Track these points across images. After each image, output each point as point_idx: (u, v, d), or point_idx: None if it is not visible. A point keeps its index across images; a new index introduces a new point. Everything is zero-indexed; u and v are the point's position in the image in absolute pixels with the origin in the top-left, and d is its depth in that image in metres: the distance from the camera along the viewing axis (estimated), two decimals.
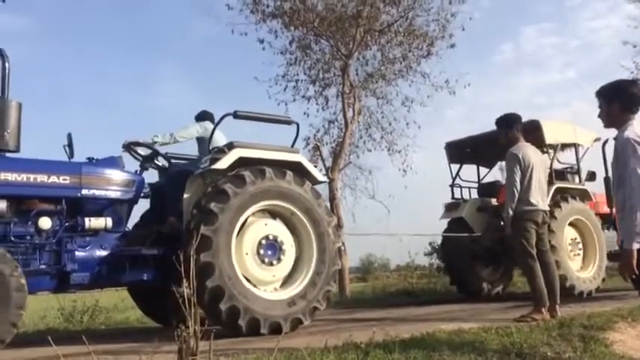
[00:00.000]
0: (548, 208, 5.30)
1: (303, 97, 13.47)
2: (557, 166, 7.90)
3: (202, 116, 6.04)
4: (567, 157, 8.53)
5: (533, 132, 7.37)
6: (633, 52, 20.41)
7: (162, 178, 5.71)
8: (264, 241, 4.89)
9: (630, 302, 5.51)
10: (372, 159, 24.83)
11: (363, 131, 13.64)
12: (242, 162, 4.89)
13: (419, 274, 14.50)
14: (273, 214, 5.09)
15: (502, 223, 7.99)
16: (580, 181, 8.06)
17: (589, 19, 38.90)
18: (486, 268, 8.22)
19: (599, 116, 3.49)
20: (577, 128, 7.98)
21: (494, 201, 8.17)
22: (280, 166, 5.03)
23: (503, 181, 8.30)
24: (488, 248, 7.75)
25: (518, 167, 5.10)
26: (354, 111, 12.70)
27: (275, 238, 4.96)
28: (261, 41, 12.91)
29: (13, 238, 4.30)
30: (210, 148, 5.36)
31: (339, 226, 5.52)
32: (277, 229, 5.02)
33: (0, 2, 4.65)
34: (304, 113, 13.37)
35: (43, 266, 4.47)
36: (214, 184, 4.78)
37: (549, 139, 7.40)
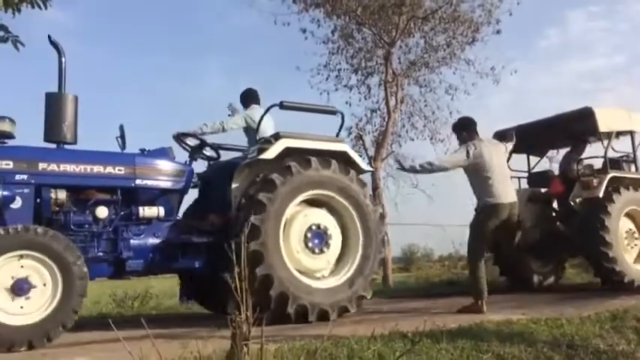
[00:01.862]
0: (511, 201, 5.29)
1: (345, 86, 13.44)
2: (611, 154, 7.60)
3: (248, 95, 6.09)
4: (623, 146, 8.20)
5: (586, 120, 7.14)
6: None
7: (210, 168, 5.80)
8: (311, 230, 4.98)
9: None
10: (414, 148, 24.57)
11: (406, 120, 13.49)
12: (288, 152, 4.95)
13: (463, 265, 14.31)
14: (318, 203, 5.15)
15: (554, 213, 7.85)
16: (637, 169, 7.74)
17: (638, 1, 37.33)
18: (537, 259, 8.01)
19: None
20: (633, 114, 7.62)
21: (545, 191, 7.97)
22: (326, 156, 5.08)
23: (555, 172, 8.11)
24: (538, 239, 7.56)
25: (464, 156, 5.28)
26: (396, 100, 12.59)
27: (321, 227, 5.03)
28: (304, 31, 12.93)
29: (72, 227, 4.46)
30: (258, 137, 5.45)
31: (382, 215, 5.51)
32: (323, 218, 5.10)
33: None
34: (346, 102, 13.35)
35: (101, 254, 4.63)
36: (262, 174, 4.86)
37: (603, 126, 7.11)
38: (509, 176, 5.66)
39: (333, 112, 5.71)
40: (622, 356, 3.63)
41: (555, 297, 6.47)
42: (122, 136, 5.08)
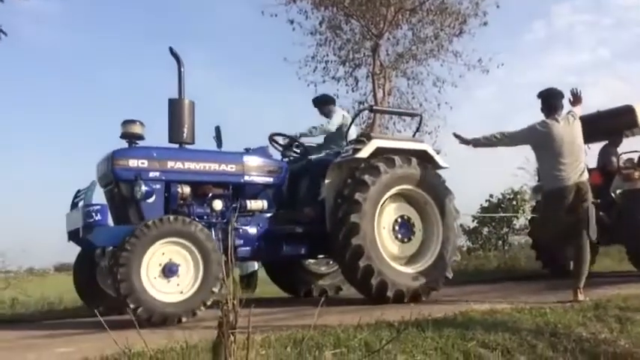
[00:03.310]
0: (581, 180, 5.10)
1: (333, 77, 13.46)
2: None
3: (328, 99, 6.61)
4: None
5: (627, 116, 7.38)
6: None
7: (298, 164, 6.13)
8: (398, 221, 5.52)
9: None
10: None
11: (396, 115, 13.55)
12: (376, 151, 5.42)
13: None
14: (403, 196, 5.62)
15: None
16: None
17: None
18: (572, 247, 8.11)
19: None
20: None
21: None
22: (408, 154, 5.54)
23: (591, 165, 8.19)
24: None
25: (537, 138, 5.16)
26: (384, 92, 12.61)
27: (405, 218, 5.56)
28: (292, 22, 12.89)
29: (195, 218, 4.89)
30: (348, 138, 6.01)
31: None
32: (407, 210, 5.62)
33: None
34: (334, 94, 13.33)
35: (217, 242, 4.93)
36: (352, 173, 5.33)
37: None
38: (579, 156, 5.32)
39: (415, 115, 6.70)
40: (604, 344, 3.70)
41: (537, 286, 6.55)
42: (218, 136, 5.52)
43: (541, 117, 5.31)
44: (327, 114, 6.33)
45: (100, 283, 5.24)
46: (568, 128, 5.16)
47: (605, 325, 4.02)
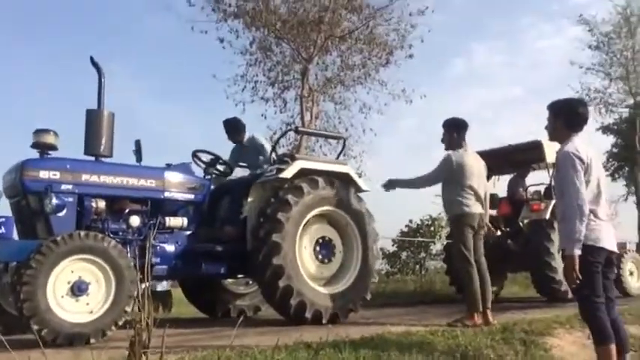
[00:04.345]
0: (483, 211, 5.34)
1: (262, 98, 13.49)
2: (555, 185, 8.19)
3: (238, 126, 6.39)
4: None
5: (534, 150, 7.81)
6: (579, 73, 21.47)
7: (221, 182, 6.06)
8: (319, 242, 5.52)
9: (568, 309, 5.76)
10: None
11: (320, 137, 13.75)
12: (300, 172, 5.43)
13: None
14: (325, 218, 5.63)
15: (498, 232, 8.30)
16: None
17: (536, 39, 40.73)
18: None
19: (546, 128, 3.67)
20: None
21: (492, 212, 8.40)
22: (330, 176, 5.58)
23: (501, 194, 8.58)
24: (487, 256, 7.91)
25: (450, 168, 5.19)
26: (311, 115, 12.78)
27: (327, 239, 5.57)
28: (222, 40, 12.85)
29: (109, 234, 4.68)
30: (267, 157, 6.05)
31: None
32: (328, 231, 5.64)
33: None
34: (262, 115, 13.39)
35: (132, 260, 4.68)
36: (276, 193, 5.32)
37: (550, 157, 7.65)
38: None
39: (339, 138, 6.92)
40: None
41: (453, 309, 6.79)
42: (138, 151, 5.39)
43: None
44: (240, 140, 6.32)
45: (1, 301, 4.89)
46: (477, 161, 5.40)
47: (511, 348, 4.23)
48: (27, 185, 4.55)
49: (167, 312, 7.67)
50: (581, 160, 3.31)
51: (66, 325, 4.03)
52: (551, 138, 3.67)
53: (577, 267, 3.20)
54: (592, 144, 3.69)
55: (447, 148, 5.39)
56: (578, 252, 3.21)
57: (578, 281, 3.24)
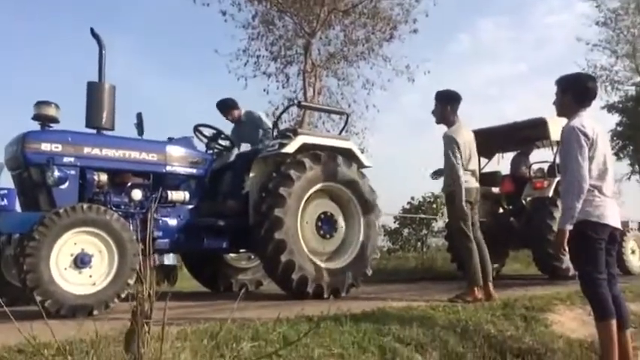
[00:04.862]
0: (478, 186, 5.34)
1: (264, 73, 13.37)
2: (559, 160, 8.13)
3: (227, 103, 6.31)
4: None
5: (539, 128, 7.71)
6: (586, 50, 21.24)
7: (223, 157, 6.05)
8: (321, 217, 5.52)
9: (569, 287, 5.77)
10: None
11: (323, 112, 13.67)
12: (302, 147, 5.41)
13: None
14: (327, 193, 5.63)
15: (501, 210, 8.28)
16: None
17: (545, 14, 39.96)
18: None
19: (554, 103, 3.61)
20: None
21: (495, 190, 8.39)
22: (333, 151, 5.56)
23: (504, 172, 8.55)
24: (487, 233, 7.92)
25: (456, 149, 5.08)
26: (314, 90, 12.69)
27: (329, 215, 5.57)
28: (224, 13, 12.70)
29: (111, 207, 4.66)
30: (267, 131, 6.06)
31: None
32: (330, 206, 5.63)
33: None
34: (264, 90, 13.28)
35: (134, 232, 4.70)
36: (278, 168, 5.30)
37: (554, 135, 7.60)
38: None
39: (342, 113, 6.82)
40: (510, 340, 3.92)
41: (452, 286, 6.81)
42: (140, 124, 5.36)
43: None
44: (237, 117, 6.28)
45: (4, 273, 4.92)
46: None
47: (511, 323, 4.26)
48: (29, 157, 4.55)
49: (170, 286, 7.71)
50: (586, 135, 3.28)
51: (69, 296, 4.05)
52: (559, 113, 3.62)
53: (565, 241, 3.23)
54: (599, 120, 3.64)
55: (438, 122, 5.33)
56: (569, 227, 3.24)
57: (564, 254, 3.26)
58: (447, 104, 5.27)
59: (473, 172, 5.28)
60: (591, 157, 3.29)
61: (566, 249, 3.27)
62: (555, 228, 7.19)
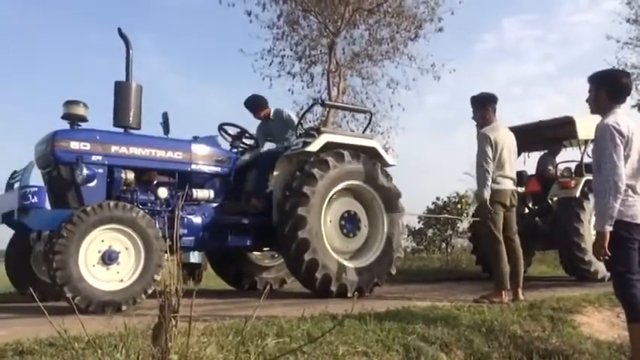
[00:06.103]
0: (514, 188, 5.21)
1: (289, 73, 13.40)
2: (587, 160, 7.98)
3: (257, 101, 6.31)
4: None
5: (567, 127, 7.55)
6: (616, 47, 20.76)
7: (247, 156, 6.03)
8: (344, 216, 5.51)
9: (597, 289, 5.66)
10: None
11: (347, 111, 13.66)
12: (326, 146, 5.42)
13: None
14: (351, 192, 5.62)
15: (526, 210, 8.14)
16: None
17: (570, 13, 39.21)
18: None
19: (587, 101, 3.52)
20: None
21: (521, 189, 8.29)
22: (357, 150, 5.56)
23: (529, 172, 8.42)
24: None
25: (489, 148, 5.00)
26: (338, 90, 12.67)
27: (352, 213, 5.56)
28: (249, 13, 12.78)
29: (138, 205, 4.74)
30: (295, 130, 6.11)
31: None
32: (354, 205, 5.63)
33: None
34: (289, 90, 13.33)
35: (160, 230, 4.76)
36: (302, 166, 5.32)
37: (582, 134, 7.47)
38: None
39: (365, 112, 6.93)
40: (537, 341, 3.86)
41: (479, 287, 6.74)
42: (166, 123, 5.39)
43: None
44: (266, 115, 6.26)
45: (34, 269, 5.03)
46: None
47: (538, 324, 4.19)
48: (58, 156, 4.65)
49: (195, 284, 7.79)
50: (621, 133, 3.20)
51: (98, 293, 4.14)
52: (593, 110, 3.52)
53: (606, 243, 3.14)
54: (633, 118, 3.52)
55: (481, 126, 5.20)
56: (609, 228, 3.14)
57: (607, 258, 3.17)
58: (486, 106, 5.22)
59: (508, 174, 5.11)
60: (626, 156, 3.20)
61: (608, 252, 3.16)
62: (582, 230, 7.18)
